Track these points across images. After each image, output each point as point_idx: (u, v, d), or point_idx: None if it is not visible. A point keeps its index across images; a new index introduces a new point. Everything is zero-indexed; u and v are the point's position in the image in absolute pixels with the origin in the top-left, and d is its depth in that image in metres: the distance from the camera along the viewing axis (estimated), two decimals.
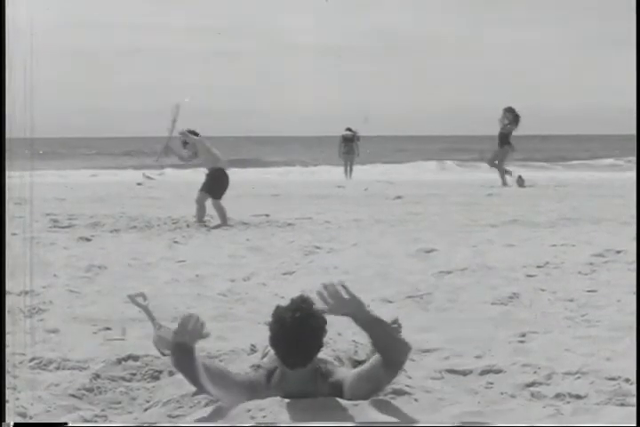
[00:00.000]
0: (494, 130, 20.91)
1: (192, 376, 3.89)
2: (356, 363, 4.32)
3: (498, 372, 4.67)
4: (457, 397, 4.22)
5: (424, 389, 4.25)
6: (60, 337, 5.60)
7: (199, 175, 12.84)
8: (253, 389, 3.95)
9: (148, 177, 27.45)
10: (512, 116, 20.71)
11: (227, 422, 3.80)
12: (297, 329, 3.84)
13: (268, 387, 3.95)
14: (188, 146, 12.40)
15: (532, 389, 4.41)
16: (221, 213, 12.24)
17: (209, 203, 12.38)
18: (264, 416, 3.77)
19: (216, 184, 12.31)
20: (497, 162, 20.82)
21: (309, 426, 3.71)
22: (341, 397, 3.91)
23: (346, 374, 4.00)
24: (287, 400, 3.85)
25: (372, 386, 3.97)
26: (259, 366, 4.12)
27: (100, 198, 17.04)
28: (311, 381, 3.93)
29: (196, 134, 12.44)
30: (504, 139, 20.69)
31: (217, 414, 3.91)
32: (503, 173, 20.66)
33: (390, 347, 3.91)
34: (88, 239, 10.59)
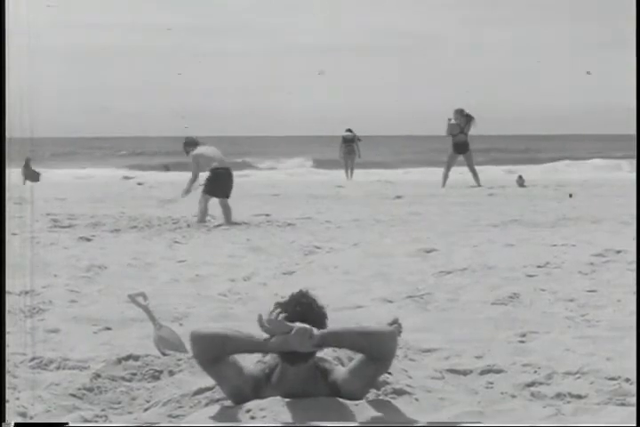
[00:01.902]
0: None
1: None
2: None
3: (498, 372, 4.66)
4: (457, 396, 4.22)
5: (424, 388, 4.24)
6: (60, 337, 5.60)
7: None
8: (256, 385, 3.95)
9: (127, 177, 27.56)
10: (464, 118, 20.43)
11: (227, 421, 3.80)
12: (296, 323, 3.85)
13: (269, 384, 3.95)
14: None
15: (532, 389, 4.41)
16: (226, 212, 12.25)
17: (212, 203, 12.42)
18: (264, 416, 3.77)
19: (216, 184, 12.32)
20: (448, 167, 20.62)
21: (309, 426, 3.71)
22: (339, 396, 3.91)
23: (340, 373, 4.01)
24: (287, 400, 3.85)
25: (365, 382, 3.97)
26: (261, 362, 4.11)
27: (100, 198, 17.04)
28: (311, 379, 3.93)
29: (196, 143, 12.51)
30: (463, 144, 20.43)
31: (217, 414, 3.91)
32: (446, 175, 20.50)
33: (367, 347, 3.89)
34: (88, 239, 10.59)
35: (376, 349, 3.90)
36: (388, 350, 3.93)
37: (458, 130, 20.25)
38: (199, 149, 12.49)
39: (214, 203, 12.42)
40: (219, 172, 12.40)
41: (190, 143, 12.61)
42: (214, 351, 3.92)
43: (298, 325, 3.83)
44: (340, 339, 3.91)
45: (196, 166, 12.49)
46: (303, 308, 3.91)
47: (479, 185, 20.00)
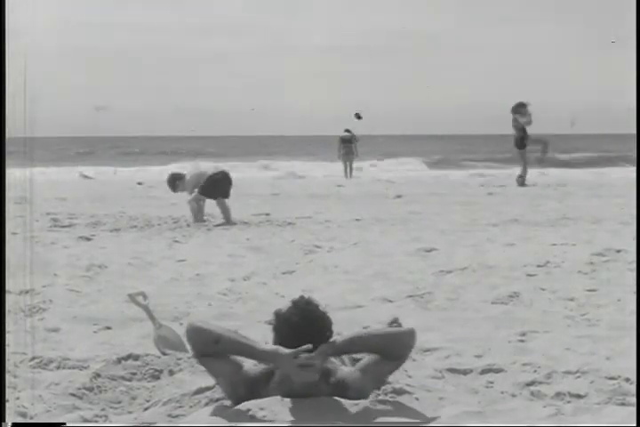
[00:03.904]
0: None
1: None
2: (357, 362, 4.31)
3: (498, 371, 4.67)
4: (457, 396, 4.22)
5: (424, 388, 4.25)
6: (60, 336, 5.60)
7: None
8: (253, 385, 3.95)
9: (86, 176, 27.46)
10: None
11: (227, 421, 3.80)
12: (305, 332, 3.83)
13: (268, 386, 3.95)
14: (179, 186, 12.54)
15: (532, 388, 4.41)
16: (225, 211, 12.23)
17: (210, 202, 12.42)
18: (264, 416, 3.77)
19: (213, 188, 12.29)
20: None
21: (309, 426, 3.71)
22: (344, 396, 3.91)
23: (348, 372, 4.01)
24: (287, 400, 3.85)
25: (379, 381, 4.04)
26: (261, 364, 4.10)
27: (100, 198, 17.05)
28: (313, 381, 3.92)
29: (182, 176, 12.52)
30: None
31: (217, 414, 3.91)
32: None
33: (387, 348, 3.97)
34: (88, 239, 10.60)
35: (397, 348, 3.98)
36: (407, 349, 4.02)
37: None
38: (187, 175, 12.48)
39: (211, 202, 12.43)
40: (216, 177, 12.36)
41: (176, 177, 12.57)
42: (204, 347, 3.95)
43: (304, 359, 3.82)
44: (357, 345, 3.97)
45: (191, 187, 12.44)
46: (306, 317, 3.88)
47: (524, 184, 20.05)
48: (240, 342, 3.95)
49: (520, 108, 20.36)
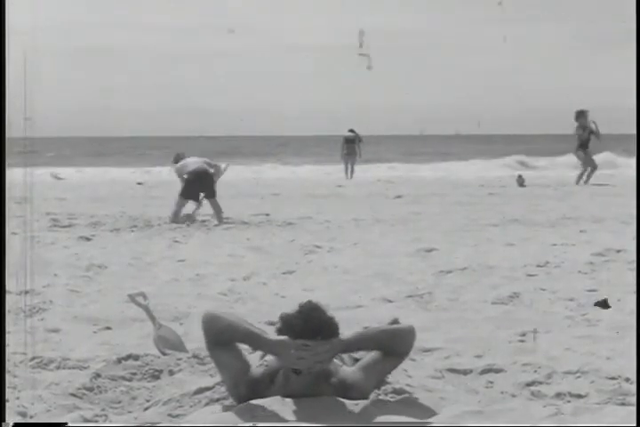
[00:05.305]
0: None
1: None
2: (357, 362, 4.32)
3: (498, 371, 4.67)
4: (457, 396, 4.22)
5: (425, 388, 4.25)
6: (60, 336, 5.60)
7: None
8: (255, 386, 3.95)
9: (58, 177, 27.45)
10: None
11: (227, 421, 3.80)
12: (309, 338, 3.83)
13: (271, 386, 3.94)
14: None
15: (532, 388, 4.41)
16: (216, 210, 12.34)
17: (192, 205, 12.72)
18: (265, 416, 3.77)
19: (186, 187, 12.71)
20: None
21: (309, 426, 3.71)
22: (345, 396, 3.91)
23: (350, 372, 4.01)
24: (288, 400, 3.85)
25: (381, 378, 4.07)
26: (264, 365, 4.10)
27: (100, 198, 17.06)
28: (314, 382, 3.92)
29: (180, 158, 13.11)
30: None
31: (217, 414, 3.91)
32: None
33: (388, 346, 4.01)
34: (88, 239, 10.60)
35: (399, 345, 4.02)
36: (409, 346, 4.07)
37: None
38: (180, 163, 13.00)
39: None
40: (187, 178, 12.75)
41: (176, 158, 13.20)
42: (216, 336, 3.97)
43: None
44: (361, 343, 3.99)
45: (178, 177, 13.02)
46: (314, 323, 3.85)
47: (585, 182, 20.18)
48: (250, 330, 3.96)
49: (581, 116, 20.71)
